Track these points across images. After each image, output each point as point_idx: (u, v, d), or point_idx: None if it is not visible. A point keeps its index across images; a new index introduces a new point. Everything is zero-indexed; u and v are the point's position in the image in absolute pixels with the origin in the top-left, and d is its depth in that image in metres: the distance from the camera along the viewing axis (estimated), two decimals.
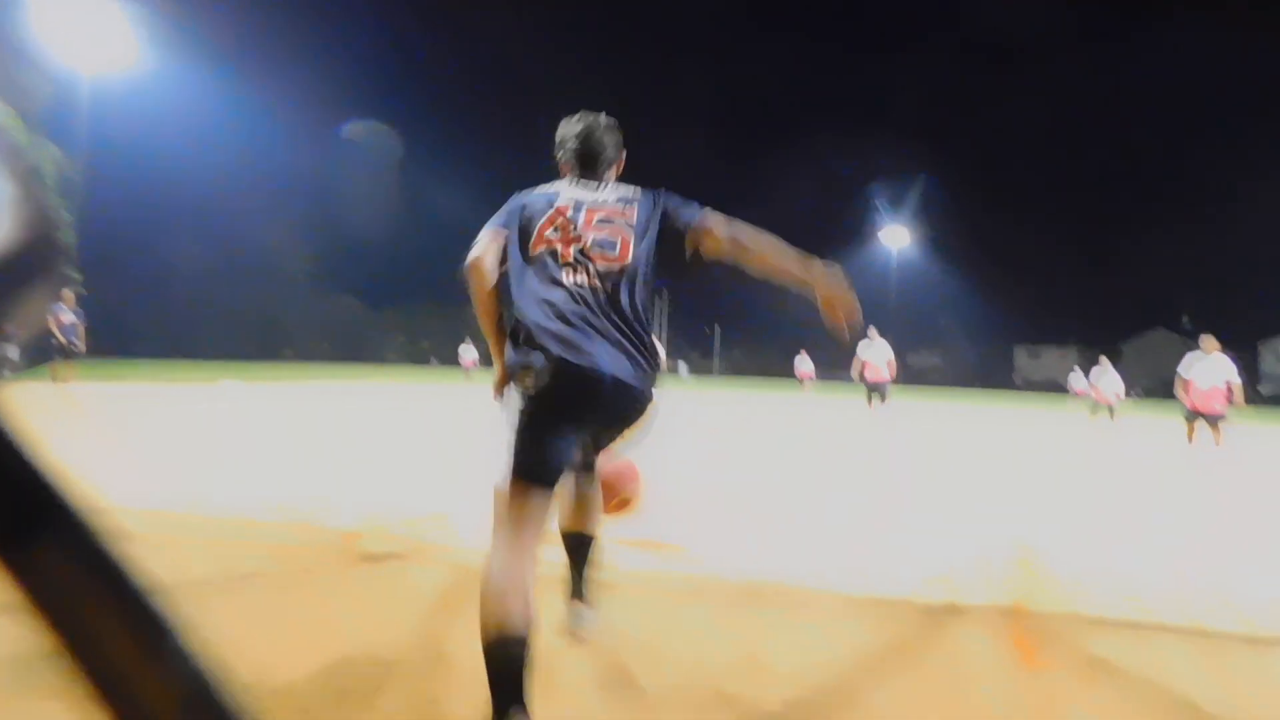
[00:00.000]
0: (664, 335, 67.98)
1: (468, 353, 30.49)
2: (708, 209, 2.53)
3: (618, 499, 3.51)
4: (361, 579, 3.58)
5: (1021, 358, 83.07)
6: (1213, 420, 11.33)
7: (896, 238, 58.40)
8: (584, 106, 2.74)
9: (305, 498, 5.36)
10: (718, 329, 79.88)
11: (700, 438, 11.83)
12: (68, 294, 14.85)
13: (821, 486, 7.17)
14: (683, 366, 72.87)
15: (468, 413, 14.49)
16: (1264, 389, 68.79)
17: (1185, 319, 73.85)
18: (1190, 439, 11.61)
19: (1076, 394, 28.34)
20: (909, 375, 61.71)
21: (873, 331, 17.27)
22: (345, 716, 2.21)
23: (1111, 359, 20.08)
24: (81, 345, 14.56)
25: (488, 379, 2.53)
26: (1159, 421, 24.95)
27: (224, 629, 2.83)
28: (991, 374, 69.61)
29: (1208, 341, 11.35)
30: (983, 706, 2.50)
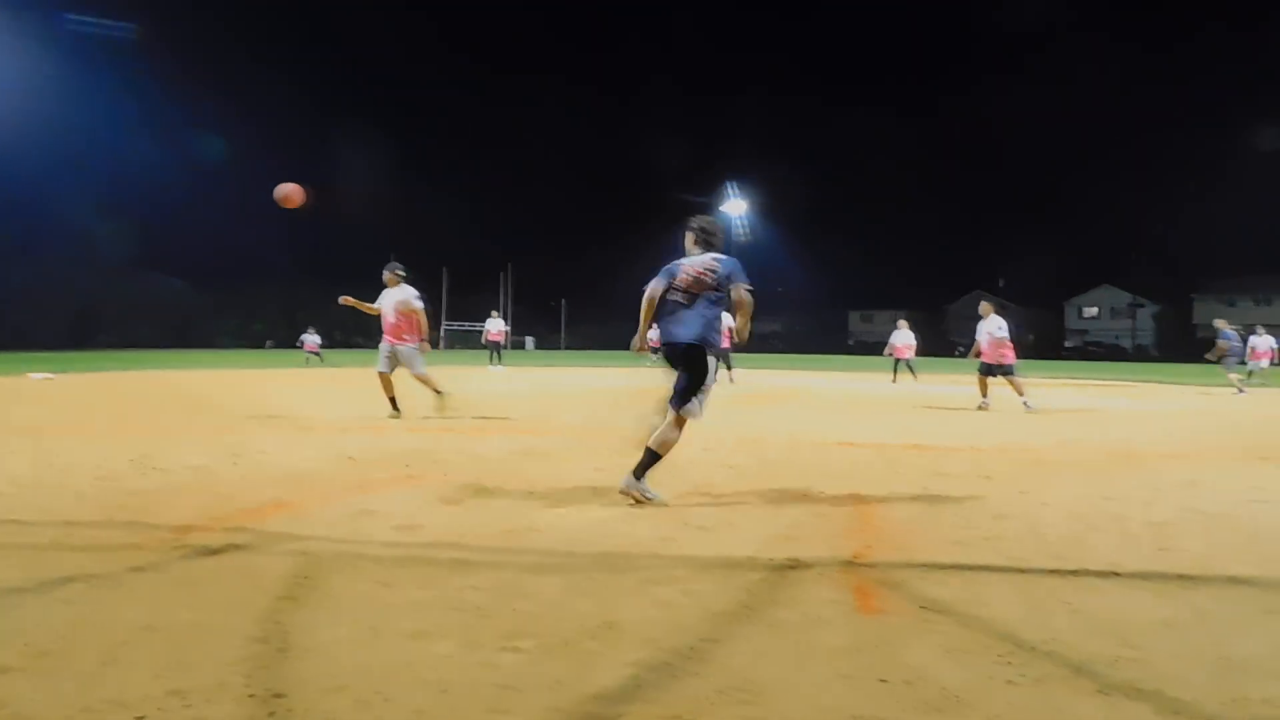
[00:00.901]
0: (509, 311, 67.37)
1: (310, 338, 29.47)
2: (742, 285, 5.15)
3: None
4: (197, 574, 3.41)
5: (855, 321, 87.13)
6: (1004, 372, 12.73)
7: (736, 208, 59.86)
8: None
9: (129, 493, 5.03)
10: (564, 303, 79.83)
11: (542, 409, 11.84)
12: None
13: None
14: (530, 341, 72.52)
15: (304, 397, 13.94)
16: (1068, 343, 74.71)
17: (1000, 282, 79.16)
18: (983, 393, 12.90)
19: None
20: (751, 342, 63.40)
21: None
22: (186, 718, 2.11)
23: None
24: None
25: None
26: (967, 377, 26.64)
27: (45, 638, 2.64)
28: (827, 338, 72.65)
29: (984, 306, 13.12)
30: (828, 653, 2.63)
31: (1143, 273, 75.54)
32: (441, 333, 66.04)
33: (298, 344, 30.44)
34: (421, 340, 10.19)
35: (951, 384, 20.23)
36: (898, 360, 21.75)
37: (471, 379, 20.43)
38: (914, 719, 2.19)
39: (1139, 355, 64.84)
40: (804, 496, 5.29)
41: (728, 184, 60.39)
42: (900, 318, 23.03)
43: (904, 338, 21.78)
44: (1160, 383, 23.91)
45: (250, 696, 2.24)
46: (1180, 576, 3.57)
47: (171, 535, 4.01)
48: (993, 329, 12.90)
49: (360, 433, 8.48)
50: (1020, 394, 12.65)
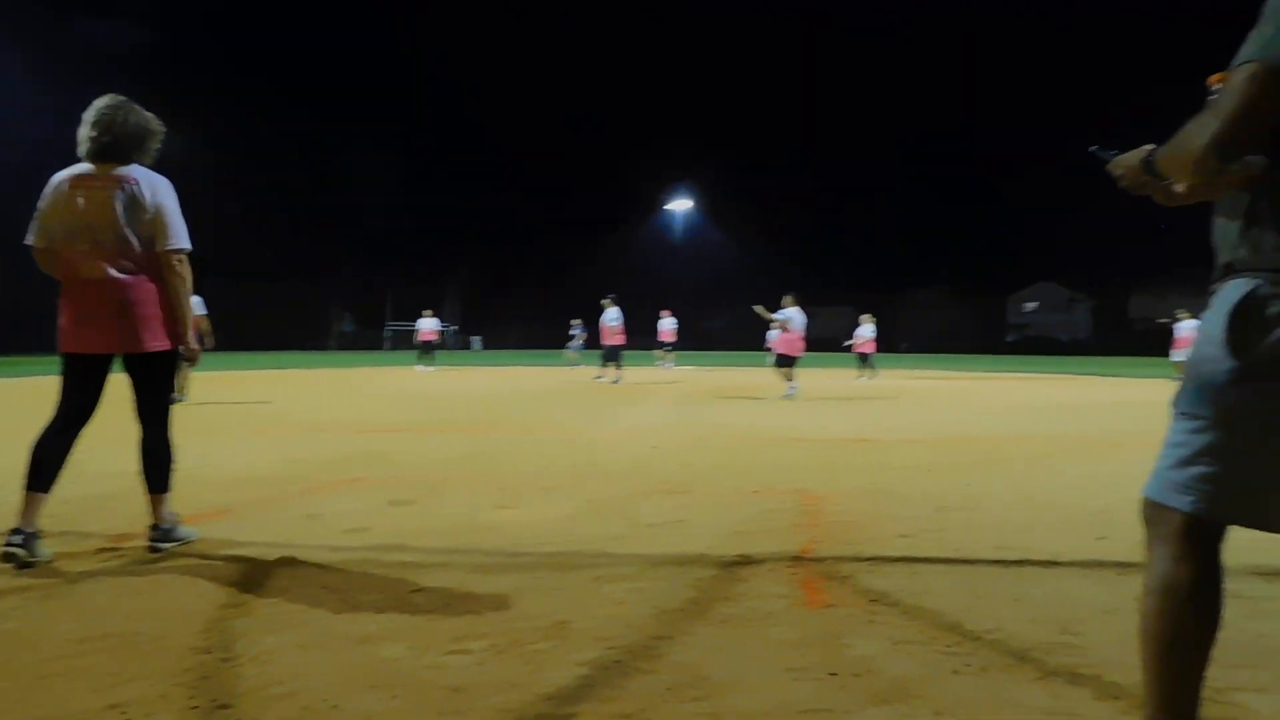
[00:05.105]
0: (459, 311, 66.87)
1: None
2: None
3: None
4: (135, 584, 3.31)
5: None
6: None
7: (681, 205, 60.21)
8: None
9: (61, 501, 4.85)
10: (510, 302, 79.24)
11: (491, 410, 11.77)
12: None
13: (610, 451, 7.31)
14: (476, 341, 71.91)
15: (247, 398, 13.68)
16: (1009, 337, 76.35)
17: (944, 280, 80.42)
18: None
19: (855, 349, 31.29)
20: (701, 338, 63.88)
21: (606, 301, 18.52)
22: None
23: (886, 315, 22.10)
24: None
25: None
26: (917, 371, 27.19)
27: None
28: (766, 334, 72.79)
29: (786, 299, 14.37)
30: (778, 647, 2.65)
31: (1079, 269, 77.44)
32: (386, 333, 65.35)
33: None
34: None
35: (901, 378, 20.50)
36: (861, 355, 22.11)
37: (408, 380, 20.26)
38: (863, 711, 2.21)
39: (1076, 349, 66.36)
40: (754, 493, 5.33)
41: (674, 185, 60.85)
42: (864, 314, 23.36)
43: (867, 333, 22.19)
44: (1098, 375, 24.53)
45: (193, 708, 2.19)
46: (1118, 564, 3.66)
47: (107, 544, 3.91)
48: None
49: (306, 435, 8.34)
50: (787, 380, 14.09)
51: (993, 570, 3.59)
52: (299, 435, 8.34)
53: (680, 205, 60.20)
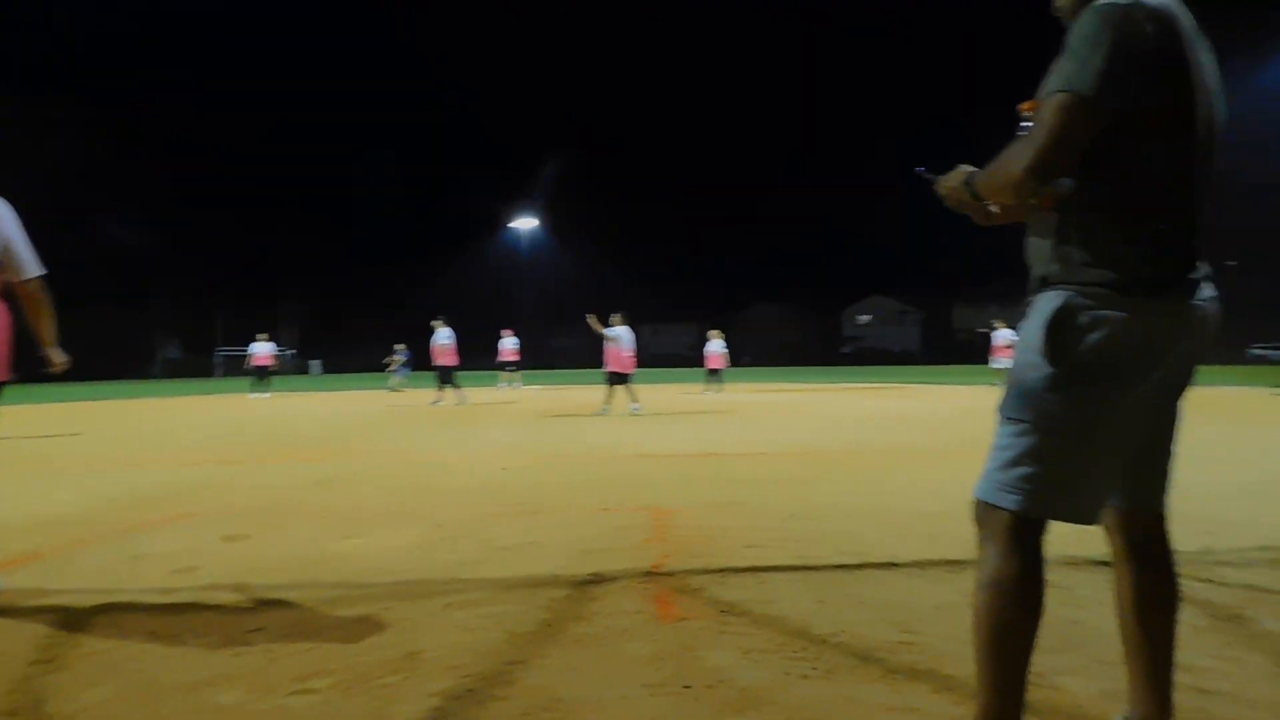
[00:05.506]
0: (297, 335, 64.38)
1: None
2: None
3: None
4: None
5: (646, 335, 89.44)
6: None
7: (526, 224, 60.00)
8: None
9: None
10: (350, 325, 76.82)
11: (332, 434, 11.36)
12: None
13: (457, 474, 7.18)
14: (315, 365, 69.25)
15: (48, 430, 12.66)
16: (845, 349, 79.97)
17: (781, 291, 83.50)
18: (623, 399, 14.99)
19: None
20: (548, 357, 63.82)
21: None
22: None
23: (728, 331, 22.80)
24: None
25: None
26: (763, 386, 28.03)
27: None
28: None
29: (614, 317, 14.90)
30: (632, 663, 2.65)
31: (908, 283, 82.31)
32: (216, 359, 62.08)
33: None
34: None
35: (745, 392, 21.02)
36: (710, 370, 22.63)
37: (241, 407, 19.37)
38: None
39: (907, 359, 70.29)
40: (604, 510, 5.34)
41: (519, 204, 60.71)
42: (712, 330, 23.86)
43: (716, 348, 22.74)
44: (929, 384, 25.98)
45: None
46: (949, 562, 3.87)
47: None
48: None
49: (126, 469, 7.79)
50: (633, 399, 14.84)
51: (836, 575, 3.72)
52: (118, 470, 7.77)
53: (525, 224, 59.94)
